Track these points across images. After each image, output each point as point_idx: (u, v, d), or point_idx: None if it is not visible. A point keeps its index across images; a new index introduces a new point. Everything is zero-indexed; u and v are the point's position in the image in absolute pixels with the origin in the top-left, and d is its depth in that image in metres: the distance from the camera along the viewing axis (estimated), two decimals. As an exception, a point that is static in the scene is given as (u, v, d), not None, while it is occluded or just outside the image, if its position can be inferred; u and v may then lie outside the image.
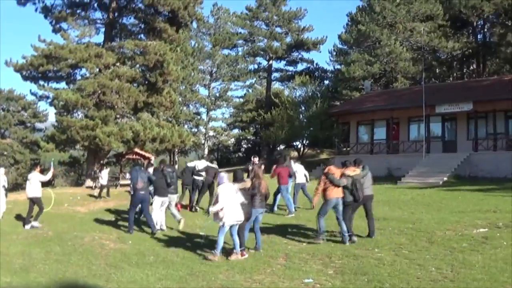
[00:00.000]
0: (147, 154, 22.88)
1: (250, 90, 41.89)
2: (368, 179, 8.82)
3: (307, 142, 33.82)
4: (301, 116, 31.46)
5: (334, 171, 8.44)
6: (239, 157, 43.74)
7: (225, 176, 7.76)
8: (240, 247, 7.44)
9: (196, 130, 38.71)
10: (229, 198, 7.35)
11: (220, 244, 7.37)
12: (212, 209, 7.40)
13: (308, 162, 32.65)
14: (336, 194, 8.28)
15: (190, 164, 13.62)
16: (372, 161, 23.38)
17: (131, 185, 10.59)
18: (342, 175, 8.41)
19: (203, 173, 13.06)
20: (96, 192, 18.08)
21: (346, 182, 8.32)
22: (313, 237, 8.58)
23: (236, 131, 42.22)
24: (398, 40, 29.54)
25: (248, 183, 7.98)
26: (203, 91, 38.65)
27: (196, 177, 13.09)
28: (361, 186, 8.44)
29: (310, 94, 31.90)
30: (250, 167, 13.41)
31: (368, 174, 8.88)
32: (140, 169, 10.69)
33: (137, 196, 10.33)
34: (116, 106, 22.20)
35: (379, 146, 24.70)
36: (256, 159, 13.51)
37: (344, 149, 27.28)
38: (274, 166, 12.22)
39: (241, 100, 41.27)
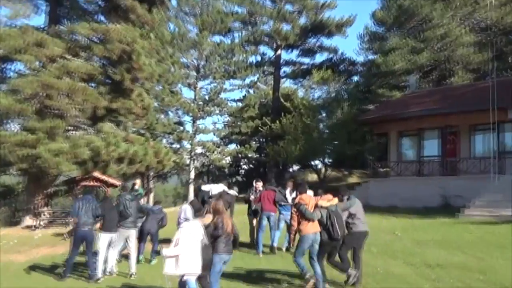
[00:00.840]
0: (111, 180, 22.73)
1: (251, 91, 41.81)
2: (359, 210, 9.87)
3: (330, 160, 33.63)
4: (321, 125, 31.55)
5: (307, 201, 9.37)
6: (237, 182, 43.45)
7: (188, 209, 7.77)
8: None
9: (178, 146, 38.56)
10: (191, 241, 7.67)
11: None
12: (167, 252, 7.59)
13: (331, 188, 32.36)
14: (313, 228, 9.21)
15: (205, 188, 14.49)
16: (420, 186, 23.18)
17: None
18: (316, 206, 9.35)
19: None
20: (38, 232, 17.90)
21: (320, 215, 9.25)
22: (303, 281, 9.38)
23: (232, 146, 42.10)
24: (456, 18, 29.38)
25: (207, 219, 8.23)
26: (187, 93, 38.60)
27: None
28: (340, 221, 9.32)
29: (333, 95, 31.84)
30: (252, 196, 13.46)
31: (356, 204, 9.87)
32: (89, 198, 11.65)
33: (77, 234, 11.25)
34: (66, 115, 22.18)
35: (430, 165, 24.46)
36: (259, 184, 13.97)
37: (381, 169, 27.01)
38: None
39: (239, 104, 41.20)
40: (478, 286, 8.89)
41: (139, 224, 13.31)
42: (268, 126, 34.64)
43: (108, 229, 11.41)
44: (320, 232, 9.28)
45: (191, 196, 35.79)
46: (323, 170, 34.16)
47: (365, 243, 10.00)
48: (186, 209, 7.93)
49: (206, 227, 8.19)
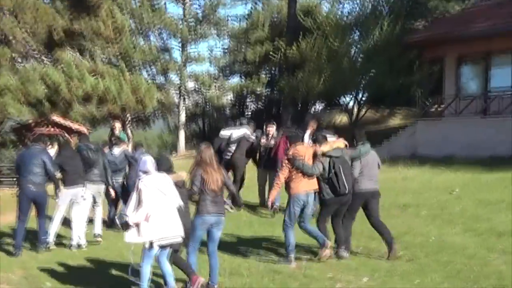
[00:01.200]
0: (75, 126, 22.72)
1: (259, 6, 41.31)
2: (370, 163, 9.96)
3: (364, 97, 33.41)
4: (353, 50, 31.22)
5: (303, 152, 9.65)
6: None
7: (148, 160, 8.08)
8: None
9: (163, 80, 38.43)
10: (159, 201, 7.79)
11: (146, 278, 7.86)
12: (130, 218, 7.73)
13: (367, 134, 32.17)
14: (306, 186, 9.54)
15: (224, 133, 15.06)
16: (486, 130, 22.92)
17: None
18: (315, 156, 9.63)
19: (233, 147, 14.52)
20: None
21: (322, 168, 9.55)
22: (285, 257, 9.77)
23: (235, 80, 41.89)
24: None
25: (183, 175, 8.44)
26: (174, 9, 38.04)
27: (227, 153, 14.51)
28: (347, 171, 9.60)
29: (369, 9, 31.32)
30: (263, 141, 13.51)
31: (371, 156, 10.02)
32: (37, 148, 11.58)
33: (25, 193, 11.13)
34: (12, 40, 21.97)
35: (499, 101, 24.16)
36: (272, 128, 14.06)
37: (434, 108, 26.81)
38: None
39: (244, 24, 40.79)
40: None
41: (120, 180, 13.46)
42: (281, 52, 34.29)
43: (70, 183, 11.61)
44: (320, 191, 9.67)
45: (181, 145, 36.02)
46: (355, 109, 33.95)
47: (378, 206, 10.09)
48: (146, 160, 7.95)
49: (179, 186, 8.30)
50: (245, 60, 39.20)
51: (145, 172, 7.94)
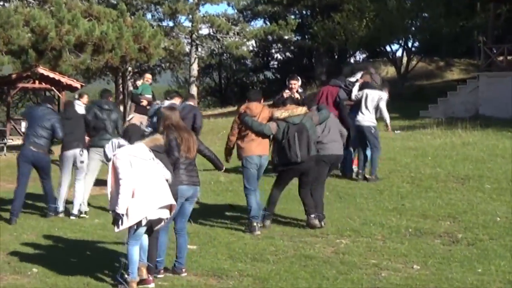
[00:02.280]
0: (66, 80, 22.76)
1: None
2: (333, 128, 11.00)
3: (416, 45, 33.19)
4: None
5: (256, 112, 10.43)
6: (267, 80, 43.34)
7: (115, 141, 8.12)
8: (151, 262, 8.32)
9: (171, 24, 38.38)
10: (140, 170, 7.89)
11: (134, 263, 7.94)
12: (119, 207, 7.71)
13: (419, 89, 32.07)
14: (258, 149, 10.39)
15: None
16: None
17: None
18: (271, 118, 10.40)
19: None
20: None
21: (276, 130, 10.27)
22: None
23: (258, 24, 41.75)
24: None
25: (160, 138, 8.46)
26: None
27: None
28: (305, 139, 10.26)
29: None
30: (286, 94, 13.42)
31: (331, 120, 11.03)
32: (50, 111, 12.15)
33: (25, 155, 11.86)
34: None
35: None
36: (295, 83, 13.89)
37: (500, 59, 26.54)
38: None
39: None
40: None
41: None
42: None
43: (65, 147, 12.23)
44: (272, 157, 10.57)
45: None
46: (405, 59, 33.78)
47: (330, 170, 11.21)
48: (113, 142, 8.05)
49: (159, 151, 8.35)
50: (270, 1, 39.04)
51: (120, 146, 7.98)
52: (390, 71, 34.19)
